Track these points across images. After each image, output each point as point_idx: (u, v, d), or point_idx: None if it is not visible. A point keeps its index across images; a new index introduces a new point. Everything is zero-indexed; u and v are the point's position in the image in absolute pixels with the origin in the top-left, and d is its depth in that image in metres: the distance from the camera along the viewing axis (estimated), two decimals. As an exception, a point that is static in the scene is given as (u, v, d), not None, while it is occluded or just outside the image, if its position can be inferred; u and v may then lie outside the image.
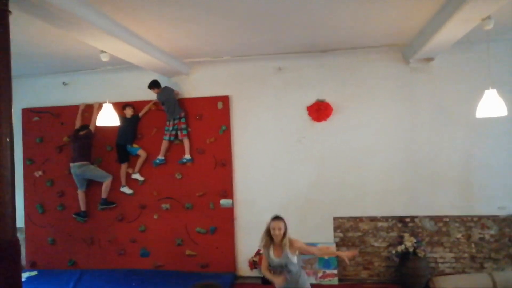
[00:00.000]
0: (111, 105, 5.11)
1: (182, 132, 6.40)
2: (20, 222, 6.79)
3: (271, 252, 3.91)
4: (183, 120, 6.42)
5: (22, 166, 6.94)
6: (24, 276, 6.46)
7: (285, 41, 5.61)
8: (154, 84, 6.29)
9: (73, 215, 6.70)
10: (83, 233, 6.76)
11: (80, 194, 6.58)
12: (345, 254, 4.23)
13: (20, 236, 6.71)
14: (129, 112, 6.47)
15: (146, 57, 5.15)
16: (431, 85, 6.07)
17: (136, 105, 6.62)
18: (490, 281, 5.55)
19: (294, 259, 3.90)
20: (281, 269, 3.87)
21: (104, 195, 6.54)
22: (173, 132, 6.41)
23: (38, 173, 6.93)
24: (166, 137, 6.44)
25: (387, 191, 6.15)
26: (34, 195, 6.93)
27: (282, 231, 3.85)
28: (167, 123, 6.42)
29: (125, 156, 6.55)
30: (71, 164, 6.46)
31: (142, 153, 6.55)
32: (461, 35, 4.67)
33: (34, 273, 6.62)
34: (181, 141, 6.47)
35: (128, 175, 6.65)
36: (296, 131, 6.37)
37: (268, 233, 3.90)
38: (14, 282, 2.85)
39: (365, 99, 6.20)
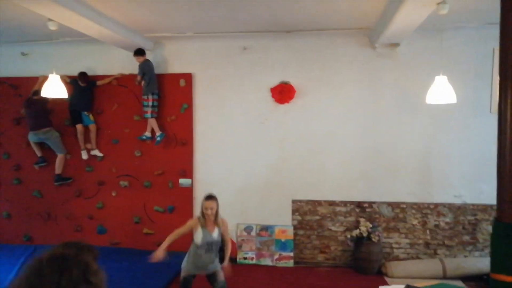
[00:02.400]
0: (58, 76, 4.92)
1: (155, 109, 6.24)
2: (-27, 194, 6.76)
3: (205, 229, 3.96)
4: (156, 96, 6.24)
5: (-23, 138, 6.77)
6: (-23, 249, 6.35)
7: (248, 19, 5.44)
8: (140, 52, 6.01)
9: (34, 165, 6.48)
10: (40, 208, 6.64)
11: (33, 144, 6.36)
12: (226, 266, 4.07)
13: (-26, 209, 6.77)
14: (81, 77, 6.22)
15: (99, 29, 4.95)
16: (396, 71, 6.01)
17: (98, 79, 6.44)
18: (441, 267, 5.63)
19: (219, 237, 4.03)
20: (210, 246, 3.95)
21: (58, 170, 6.39)
22: (155, 109, 6.17)
23: (-7, 146, 6.74)
24: (148, 115, 6.12)
25: (347, 176, 6.14)
26: (-11, 168, 6.76)
27: (214, 211, 3.93)
28: (144, 97, 6.12)
29: (78, 119, 6.33)
30: (32, 132, 6.21)
31: (93, 128, 6.39)
32: (420, 20, 4.59)
33: (-13, 247, 6.51)
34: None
35: (87, 150, 6.50)
36: (259, 112, 6.28)
37: (202, 212, 3.97)
38: None
39: (329, 83, 6.13)
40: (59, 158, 6.38)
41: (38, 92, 6.19)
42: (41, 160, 6.47)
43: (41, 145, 6.42)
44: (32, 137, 6.29)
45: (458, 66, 5.73)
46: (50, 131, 6.27)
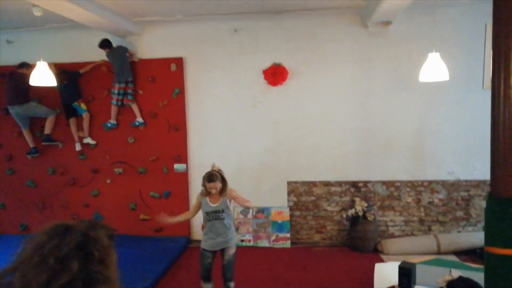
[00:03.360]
0: (45, 63, 4.83)
1: (128, 97, 6.17)
2: (-34, 186, 6.70)
3: (208, 199, 3.94)
4: (130, 85, 6.16)
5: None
6: (-27, 241, 6.33)
7: (237, 1, 5.35)
8: (104, 44, 5.95)
9: (26, 155, 6.45)
10: (34, 197, 6.61)
11: (26, 132, 6.31)
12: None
13: (-33, 201, 6.71)
14: (61, 76, 6.05)
15: (86, 14, 4.84)
16: (388, 50, 5.98)
17: (81, 66, 6.32)
18: (435, 243, 5.73)
19: (229, 205, 4.00)
20: (216, 215, 3.93)
21: (47, 130, 6.29)
22: (120, 97, 6.15)
23: (-16, 136, 6.65)
24: (114, 101, 6.16)
25: (341, 156, 6.16)
26: (-20, 159, 6.69)
27: (218, 190, 3.90)
28: (113, 84, 6.10)
29: (71, 112, 6.31)
30: (9, 106, 6.12)
31: (86, 116, 6.33)
32: (412, -4, 4.55)
33: (-17, 238, 6.49)
34: (129, 106, 6.25)
35: (80, 139, 6.45)
36: (251, 95, 6.24)
37: (205, 186, 3.92)
38: None
39: (321, 64, 6.08)
40: (49, 119, 6.28)
41: (23, 64, 6.03)
42: (34, 150, 6.41)
43: (33, 133, 6.34)
44: (12, 111, 6.15)
45: (451, 42, 5.71)
46: (27, 104, 6.14)
